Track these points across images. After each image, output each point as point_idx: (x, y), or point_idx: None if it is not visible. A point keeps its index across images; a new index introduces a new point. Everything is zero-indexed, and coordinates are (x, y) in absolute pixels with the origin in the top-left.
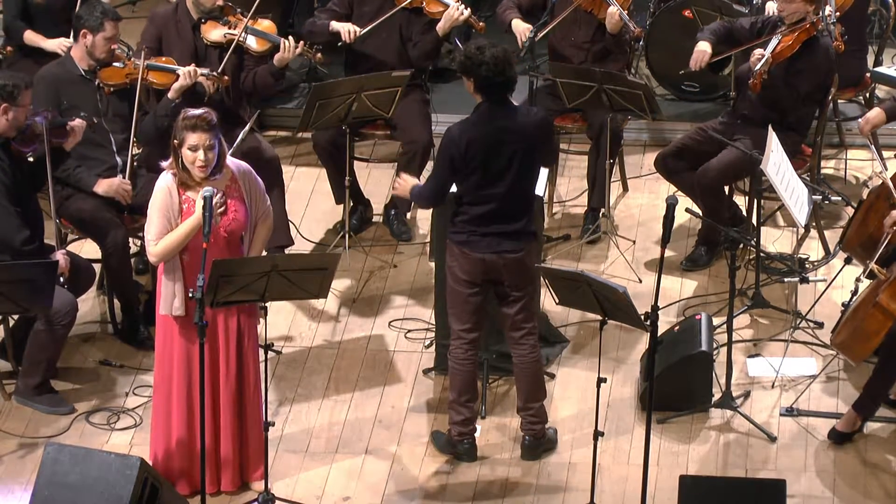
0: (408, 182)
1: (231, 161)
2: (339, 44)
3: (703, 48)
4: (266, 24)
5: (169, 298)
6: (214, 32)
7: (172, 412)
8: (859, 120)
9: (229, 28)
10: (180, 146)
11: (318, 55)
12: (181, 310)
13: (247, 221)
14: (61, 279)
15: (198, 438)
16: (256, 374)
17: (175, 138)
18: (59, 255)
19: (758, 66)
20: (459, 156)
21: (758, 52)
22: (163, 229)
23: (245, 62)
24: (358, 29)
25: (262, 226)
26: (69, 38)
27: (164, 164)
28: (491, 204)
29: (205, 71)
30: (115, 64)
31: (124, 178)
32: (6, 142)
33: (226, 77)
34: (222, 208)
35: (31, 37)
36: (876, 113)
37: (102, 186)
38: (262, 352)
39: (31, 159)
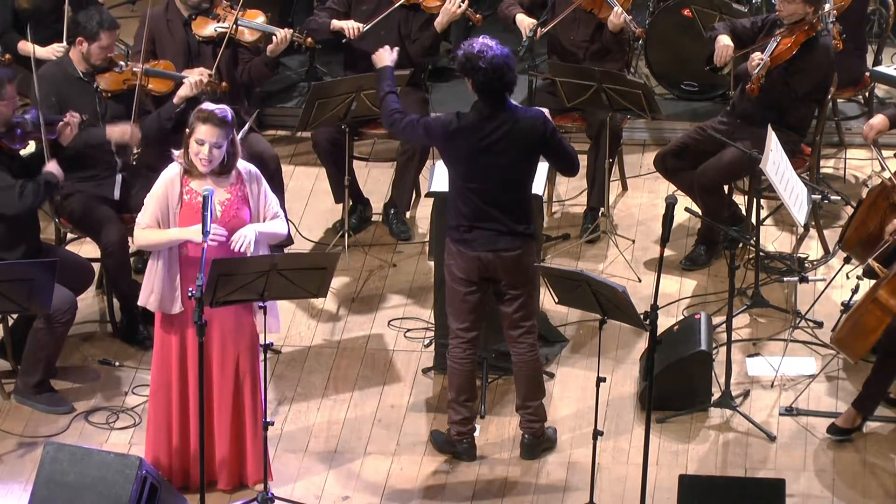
0: (383, 56)
1: (239, 163)
2: (343, 41)
3: (727, 42)
4: (255, 15)
5: (164, 293)
6: (206, 28)
7: (170, 411)
8: (863, 127)
9: (219, 22)
10: (190, 135)
11: (309, 39)
12: (178, 307)
13: (248, 223)
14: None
15: (194, 437)
16: (255, 373)
17: (189, 127)
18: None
19: (755, 71)
20: (444, 136)
21: (756, 56)
22: (152, 218)
23: (240, 55)
24: (361, 25)
25: None
26: (62, 40)
27: (177, 153)
28: (485, 202)
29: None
30: (112, 69)
31: (126, 176)
32: None
33: (224, 84)
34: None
35: (25, 47)
36: (880, 120)
37: (115, 132)
38: (261, 351)
39: (22, 152)
